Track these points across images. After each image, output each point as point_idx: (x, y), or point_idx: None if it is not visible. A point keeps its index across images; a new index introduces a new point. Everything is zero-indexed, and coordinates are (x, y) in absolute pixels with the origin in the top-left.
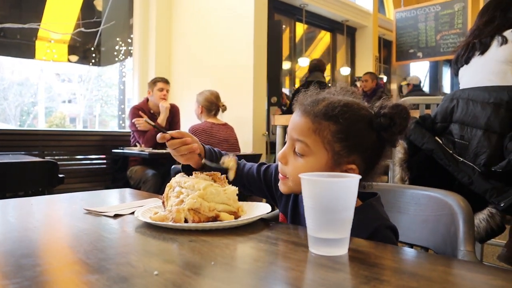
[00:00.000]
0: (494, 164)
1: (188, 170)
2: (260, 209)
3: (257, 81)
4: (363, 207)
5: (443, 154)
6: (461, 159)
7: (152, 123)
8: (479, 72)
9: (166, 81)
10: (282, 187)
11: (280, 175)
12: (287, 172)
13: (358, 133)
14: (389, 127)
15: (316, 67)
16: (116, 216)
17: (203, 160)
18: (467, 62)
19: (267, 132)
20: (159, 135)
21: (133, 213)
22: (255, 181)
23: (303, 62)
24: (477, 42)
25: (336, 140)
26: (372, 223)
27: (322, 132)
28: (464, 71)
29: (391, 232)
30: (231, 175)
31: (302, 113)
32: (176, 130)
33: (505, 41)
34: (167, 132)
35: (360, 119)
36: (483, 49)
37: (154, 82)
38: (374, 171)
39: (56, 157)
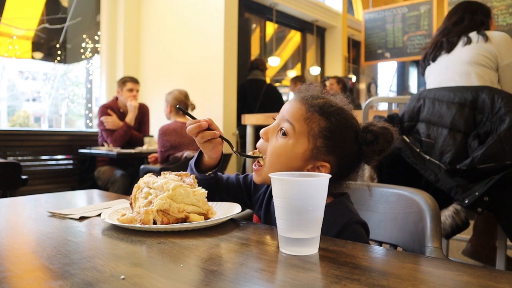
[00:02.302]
0: (458, 162)
1: (197, 167)
2: (231, 209)
3: (228, 80)
4: (333, 204)
5: (410, 152)
6: (428, 157)
7: (189, 113)
8: (445, 73)
9: (135, 81)
10: (256, 176)
11: (254, 166)
12: (265, 149)
13: (343, 138)
14: (371, 143)
15: (256, 66)
16: (82, 218)
17: (234, 150)
18: (434, 60)
19: (237, 131)
20: (192, 126)
21: (99, 215)
22: (235, 189)
23: (274, 62)
24: (445, 41)
25: (321, 136)
26: (342, 218)
27: (312, 123)
28: (430, 70)
29: (361, 227)
30: (262, 161)
31: (300, 100)
32: (208, 117)
33: (469, 41)
34: (203, 120)
35: (349, 126)
36: (450, 48)
37: (123, 81)
38: (344, 181)
39: (20, 158)
